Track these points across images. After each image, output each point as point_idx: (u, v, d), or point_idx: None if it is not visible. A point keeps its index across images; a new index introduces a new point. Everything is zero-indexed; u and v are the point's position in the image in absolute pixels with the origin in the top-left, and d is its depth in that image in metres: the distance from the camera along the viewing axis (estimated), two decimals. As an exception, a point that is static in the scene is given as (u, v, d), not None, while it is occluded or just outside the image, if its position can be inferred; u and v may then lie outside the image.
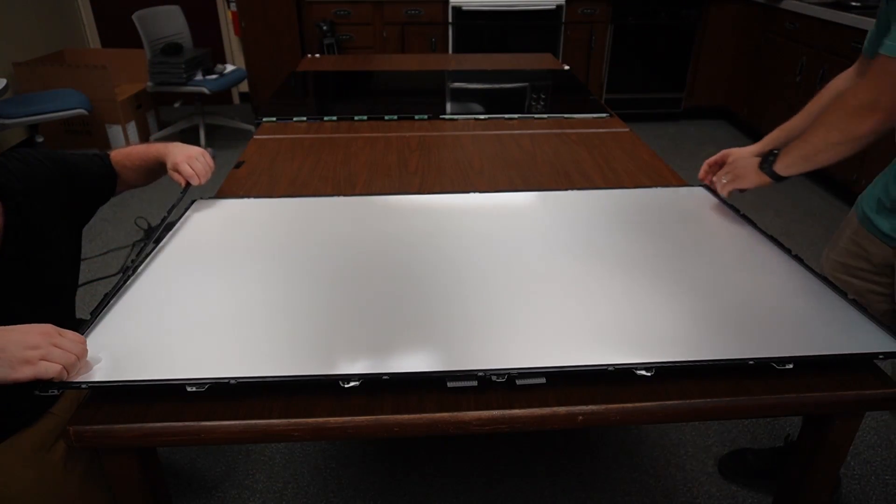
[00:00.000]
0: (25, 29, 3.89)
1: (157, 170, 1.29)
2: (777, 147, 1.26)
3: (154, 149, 1.28)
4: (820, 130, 1.09)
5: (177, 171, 1.24)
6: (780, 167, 1.18)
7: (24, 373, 0.75)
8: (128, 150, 1.28)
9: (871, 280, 1.29)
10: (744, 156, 1.30)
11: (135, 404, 0.78)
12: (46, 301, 1.06)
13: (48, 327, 0.79)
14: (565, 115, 2.00)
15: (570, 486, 1.61)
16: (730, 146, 1.35)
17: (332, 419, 0.76)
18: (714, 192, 1.35)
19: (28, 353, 0.75)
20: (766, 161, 1.21)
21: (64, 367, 0.76)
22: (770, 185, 1.22)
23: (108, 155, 1.25)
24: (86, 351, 0.81)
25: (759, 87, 4.02)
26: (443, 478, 1.64)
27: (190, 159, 1.24)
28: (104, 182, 1.23)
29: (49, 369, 0.75)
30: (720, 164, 1.35)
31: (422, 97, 2.30)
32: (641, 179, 1.49)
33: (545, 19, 4.15)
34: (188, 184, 1.25)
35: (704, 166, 1.39)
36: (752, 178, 1.23)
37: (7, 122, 3.02)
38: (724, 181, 1.29)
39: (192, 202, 1.31)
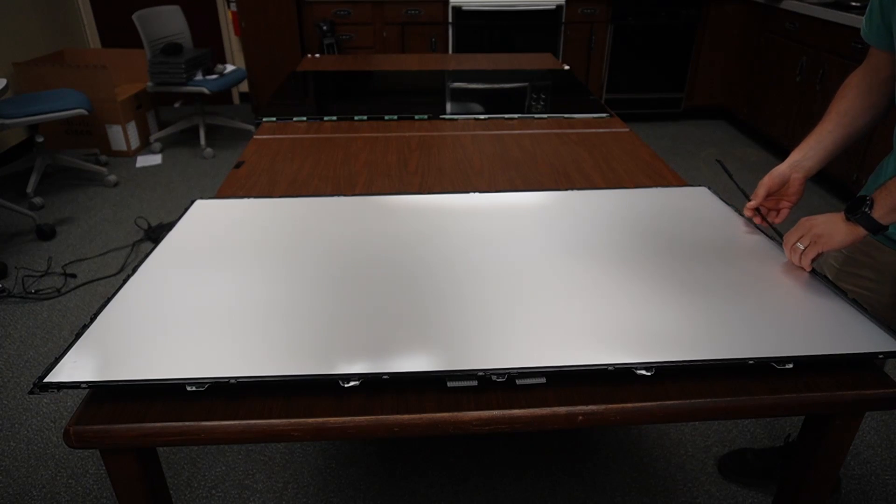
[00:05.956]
0: (25, 29, 3.89)
1: None
2: (811, 157, 1.13)
3: None
4: None
5: None
6: (883, 213, 0.92)
7: None
8: None
9: (880, 291, 1.23)
10: (793, 193, 1.13)
11: (134, 404, 0.78)
12: None
13: None
14: (565, 115, 2.00)
15: (570, 486, 1.61)
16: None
17: (332, 419, 0.76)
18: (714, 191, 1.36)
19: None
20: (858, 210, 0.94)
21: None
22: (863, 239, 0.97)
23: None
24: None
25: (759, 88, 4.02)
26: (443, 478, 1.64)
27: None
28: None
29: None
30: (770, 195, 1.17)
31: (422, 97, 2.30)
32: (641, 179, 1.49)
33: (545, 19, 4.16)
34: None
35: (750, 209, 1.18)
36: (841, 234, 0.97)
37: (7, 122, 3.02)
38: (802, 247, 1.01)
39: (193, 202, 1.31)
